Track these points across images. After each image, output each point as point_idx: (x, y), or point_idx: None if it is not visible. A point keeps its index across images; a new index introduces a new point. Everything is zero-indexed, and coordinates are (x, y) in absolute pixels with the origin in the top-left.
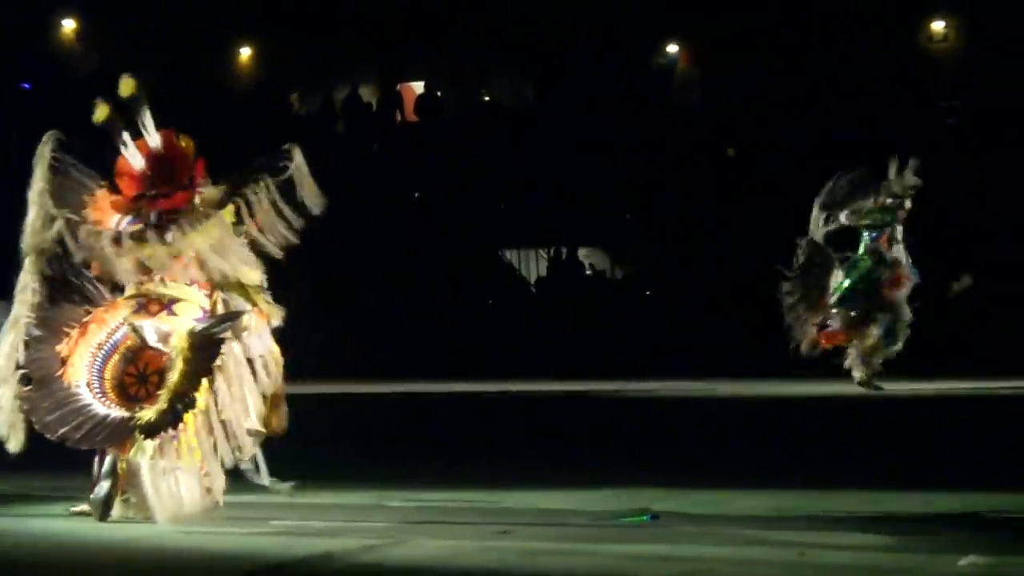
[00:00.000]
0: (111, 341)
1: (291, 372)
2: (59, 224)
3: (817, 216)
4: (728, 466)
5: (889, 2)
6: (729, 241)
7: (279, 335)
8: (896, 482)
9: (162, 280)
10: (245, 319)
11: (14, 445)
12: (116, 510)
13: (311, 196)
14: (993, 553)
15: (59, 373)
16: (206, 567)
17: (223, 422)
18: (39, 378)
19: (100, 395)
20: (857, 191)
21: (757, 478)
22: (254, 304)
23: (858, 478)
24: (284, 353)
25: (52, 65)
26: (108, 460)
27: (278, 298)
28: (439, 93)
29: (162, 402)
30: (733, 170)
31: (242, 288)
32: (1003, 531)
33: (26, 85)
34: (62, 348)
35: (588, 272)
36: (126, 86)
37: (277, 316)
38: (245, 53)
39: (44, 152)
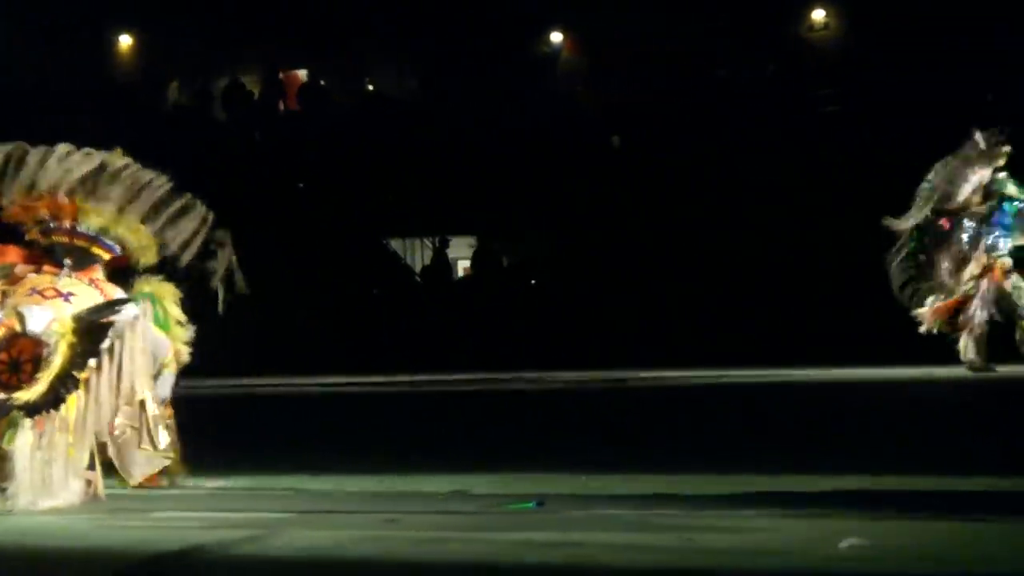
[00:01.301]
0: None
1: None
2: None
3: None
4: (618, 452)
5: None
6: (614, 228)
7: None
8: (790, 464)
9: (69, 274)
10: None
11: None
12: None
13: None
14: (875, 535)
15: None
16: (83, 558)
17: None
18: None
19: None
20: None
21: (647, 463)
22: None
23: (749, 461)
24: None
25: None
26: None
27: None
28: (322, 82)
29: (43, 383)
30: (618, 158)
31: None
32: (889, 512)
33: None
34: None
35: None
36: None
37: (183, 351)
38: (125, 42)
39: None
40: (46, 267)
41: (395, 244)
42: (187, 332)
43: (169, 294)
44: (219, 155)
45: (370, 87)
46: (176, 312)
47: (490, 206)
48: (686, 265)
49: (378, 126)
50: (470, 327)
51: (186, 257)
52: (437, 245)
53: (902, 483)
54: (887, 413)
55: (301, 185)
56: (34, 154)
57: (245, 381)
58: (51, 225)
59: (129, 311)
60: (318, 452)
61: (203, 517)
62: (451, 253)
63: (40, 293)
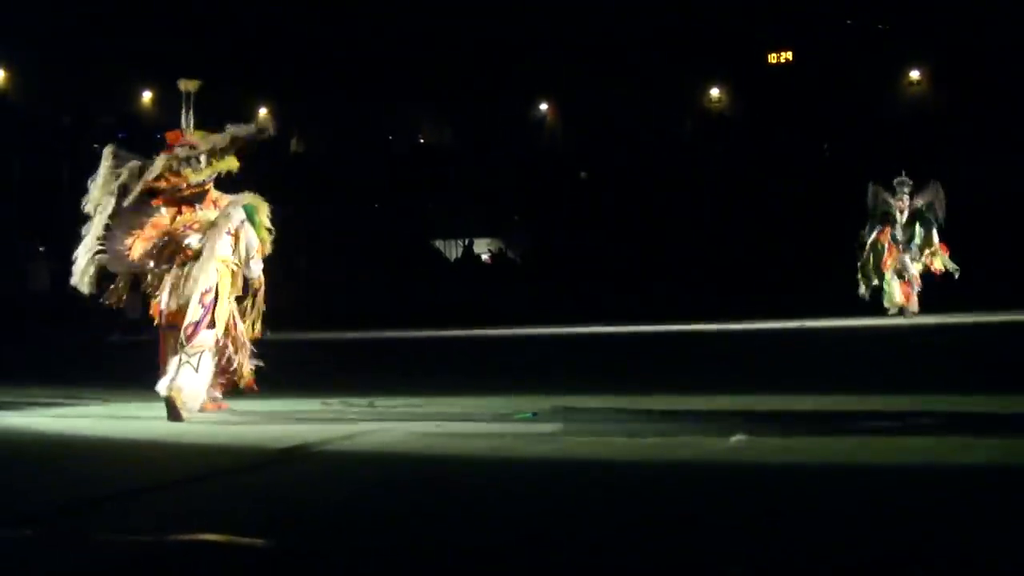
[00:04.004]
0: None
1: (289, 322)
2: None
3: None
4: (585, 383)
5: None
6: (582, 232)
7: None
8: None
9: (201, 209)
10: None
11: (86, 288)
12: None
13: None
14: (755, 434)
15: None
16: (241, 447)
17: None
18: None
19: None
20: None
21: (614, 388)
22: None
23: (676, 388)
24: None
25: None
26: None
27: (288, 272)
28: (391, 137)
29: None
30: (584, 187)
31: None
32: (766, 421)
33: None
34: (129, 242)
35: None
36: (191, 84)
37: (267, 247)
38: (263, 111)
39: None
40: (185, 208)
41: (438, 243)
42: (271, 235)
43: (263, 206)
44: (323, 185)
45: (421, 140)
46: (266, 221)
47: (501, 218)
48: (628, 253)
49: (427, 165)
50: (486, 299)
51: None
52: (466, 244)
53: (785, 403)
54: (806, 353)
55: (376, 205)
56: (158, 160)
57: (344, 332)
58: (178, 188)
59: (239, 214)
60: (387, 381)
61: (316, 424)
62: (475, 250)
63: (190, 227)
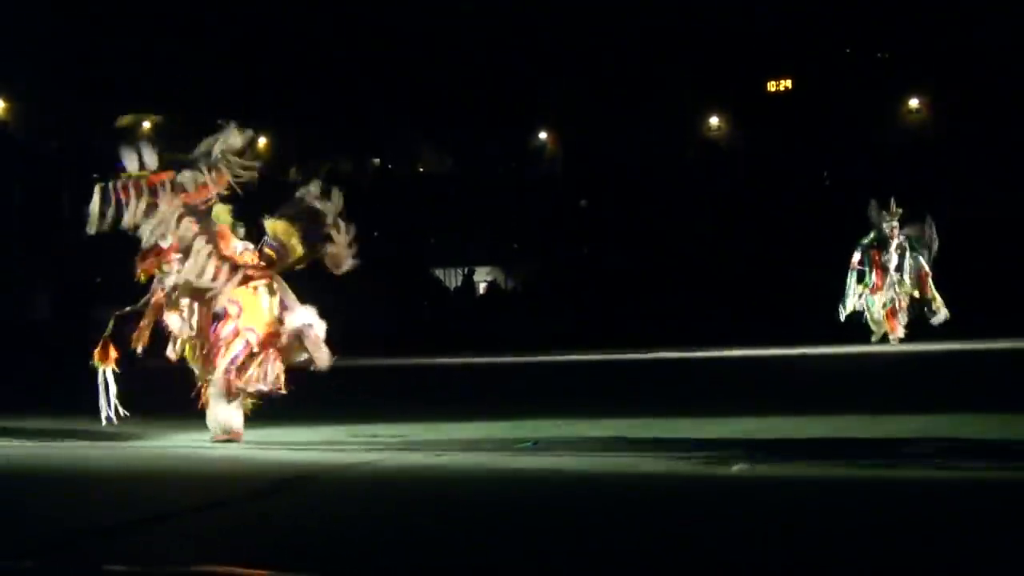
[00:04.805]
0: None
1: None
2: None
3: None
4: (586, 410)
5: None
6: (580, 262)
7: None
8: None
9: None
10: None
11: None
12: None
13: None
14: (756, 461)
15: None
16: (275, 469)
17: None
18: None
19: None
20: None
21: (605, 412)
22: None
23: (677, 414)
24: None
25: None
26: None
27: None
28: (389, 166)
29: None
30: (584, 215)
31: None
32: (764, 447)
33: None
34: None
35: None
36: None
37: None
38: (263, 142)
39: None
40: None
41: (438, 272)
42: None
43: (226, 214)
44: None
45: (420, 168)
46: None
47: (500, 247)
48: (629, 280)
49: (426, 193)
50: (486, 326)
51: None
52: (466, 273)
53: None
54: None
55: (376, 233)
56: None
57: (344, 360)
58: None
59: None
60: (388, 409)
61: (318, 452)
62: (475, 278)
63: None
